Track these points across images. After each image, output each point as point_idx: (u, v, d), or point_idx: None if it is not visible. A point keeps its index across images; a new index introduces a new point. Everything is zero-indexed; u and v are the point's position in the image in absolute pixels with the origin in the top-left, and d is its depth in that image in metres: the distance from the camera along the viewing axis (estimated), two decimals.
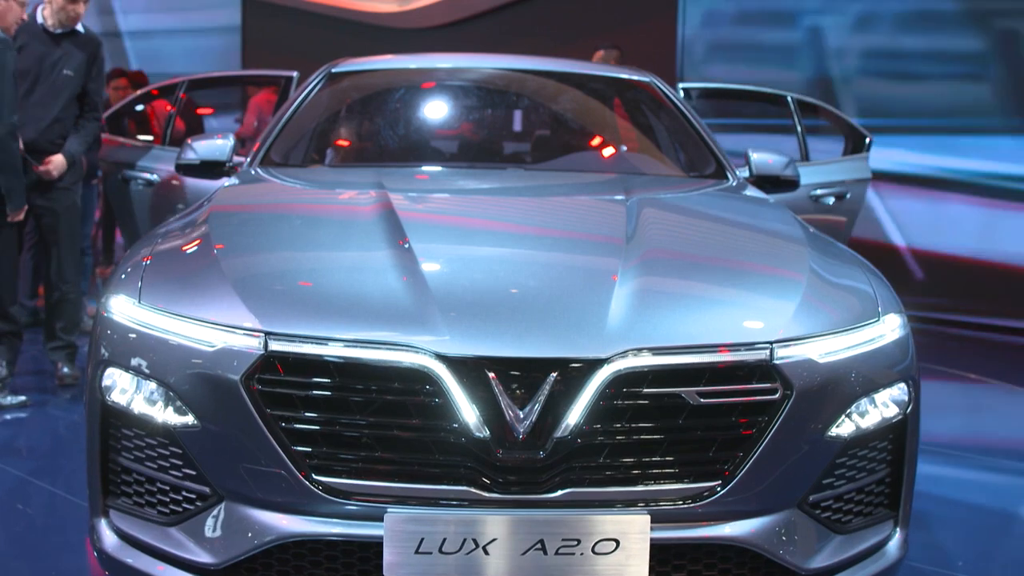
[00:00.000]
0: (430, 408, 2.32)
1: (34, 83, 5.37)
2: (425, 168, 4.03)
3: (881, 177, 8.00)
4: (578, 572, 2.31)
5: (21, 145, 5.17)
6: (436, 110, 4.59)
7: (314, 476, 2.35)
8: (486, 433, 2.29)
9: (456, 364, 2.31)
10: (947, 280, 8.58)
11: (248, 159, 3.97)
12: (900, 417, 2.64)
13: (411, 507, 2.33)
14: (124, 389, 2.54)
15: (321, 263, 2.76)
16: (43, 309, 5.95)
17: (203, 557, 2.43)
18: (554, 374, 2.31)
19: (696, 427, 2.38)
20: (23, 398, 5.29)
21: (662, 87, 4.49)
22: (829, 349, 2.50)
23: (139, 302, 2.58)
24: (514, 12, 11.65)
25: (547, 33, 11.02)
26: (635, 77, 4.60)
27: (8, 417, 5.13)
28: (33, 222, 5.68)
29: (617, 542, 2.31)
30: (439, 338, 2.33)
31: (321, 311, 2.44)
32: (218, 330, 2.42)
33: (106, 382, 2.56)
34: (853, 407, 2.53)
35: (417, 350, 2.32)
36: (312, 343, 2.35)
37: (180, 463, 2.48)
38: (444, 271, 2.64)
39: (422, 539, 2.30)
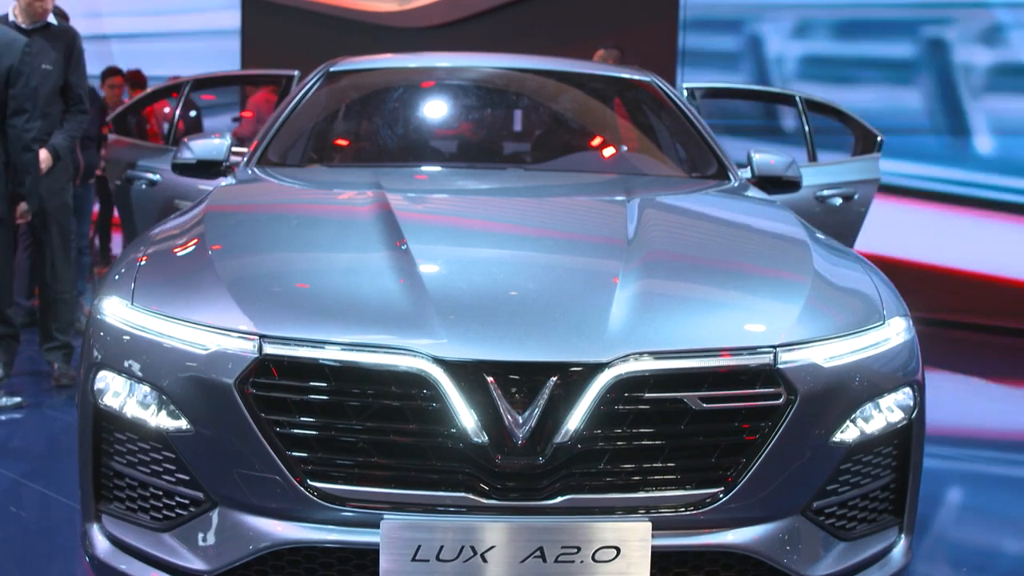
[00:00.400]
0: (427, 413, 2.28)
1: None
2: (424, 168, 3.99)
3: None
4: None
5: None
6: (435, 109, 4.55)
7: (309, 482, 2.31)
8: (484, 438, 2.25)
9: (454, 368, 2.27)
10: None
11: (245, 159, 3.93)
12: (905, 422, 2.60)
13: (408, 514, 2.29)
14: (117, 392, 2.50)
15: (317, 265, 2.72)
16: (39, 309, 5.91)
17: (196, 564, 2.39)
18: (554, 378, 2.27)
19: (698, 432, 2.34)
20: (18, 399, 5.25)
21: (663, 87, 4.45)
22: (834, 353, 2.46)
23: (132, 304, 2.54)
24: (514, 12, 11.62)
25: (547, 33, 11.00)
26: (636, 76, 4.56)
27: (3, 418, 5.09)
28: (27, 222, 5.64)
29: (618, 550, 2.27)
30: (437, 341, 2.29)
31: (316, 314, 2.40)
32: (212, 333, 2.39)
33: (98, 385, 2.52)
34: (858, 412, 2.49)
35: (414, 354, 2.28)
36: (307, 346, 2.31)
37: (173, 468, 2.44)
38: (442, 273, 2.60)
39: (419, 546, 2.26)
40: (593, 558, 2.27)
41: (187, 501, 2.44)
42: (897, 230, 8.53)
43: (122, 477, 2.53)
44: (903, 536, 2.65)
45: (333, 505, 2.30)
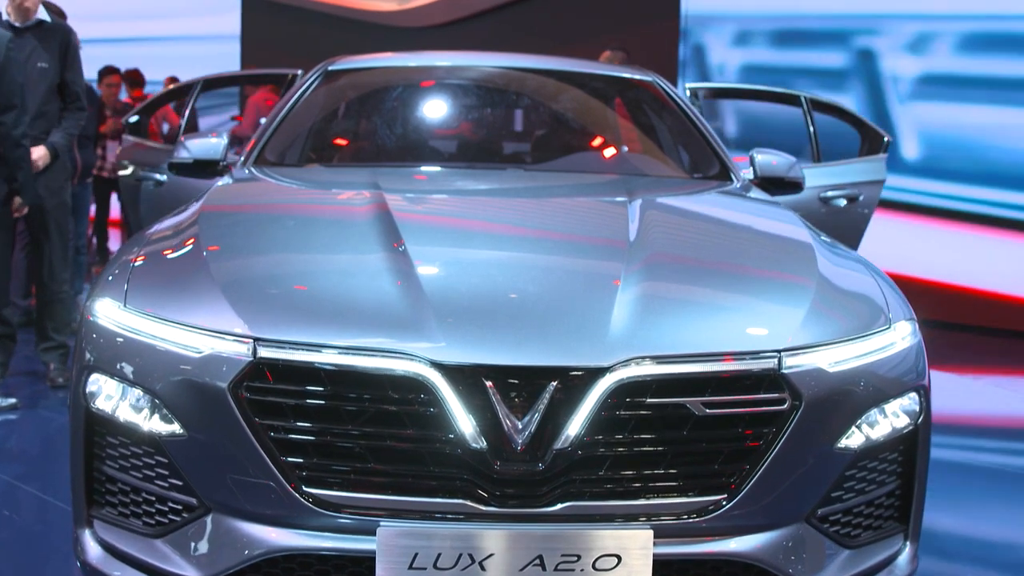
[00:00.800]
0: (425, 418, 2.23)
1: None
2: (423, 168, 3.94)
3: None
4: None
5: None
6: (434, 109, 4.51)
7: (304, 488, 2.27)
8: (483, 444, 2.21)
9: (452, 372, 2.23)
10: None
11: (241, 158, 3.89)
12: (911, 428, 2.56)
13: (405, 521, 2.24)
14: (109, 396, 2.46)
15: (313, 266, 2.68)
16: (36, 309, 5.87)
17: (189, 571, 2.35)
18: (554, 383, 2.23)
19: (701, 439, 2.30)
20: (13, 400, 5.21)
21: (664, 86, 4.41)
22: (839, 358, 2.42)
23: (124, 305, 2.49)
24: (514, 11, 11.61)
25: (547, 33, 10.97)
26: (637, 76, 4.52)
27: None
28: (24, 221, 5.60)
29: (619, 558, 2.23)
30: (434, 345, 2.25)
31: (312, 316, 2.36)
32: (205, 335, 2.34)
33: (91, 388, 2.48)
34: (863, 418, 2.45)
35: (411, 357, 2.23)
36: (302, 350, 2.27)
37: (166, 473, 2.40)
38: (440, 275, 2.56)
39: (416, 554, 2.21)
40: (593, 566, 2.23)
41: (180, 507, 2.40)
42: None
43: (114, 482, 2.48)
44: (908, 543, 2.61)
45: (328, 512, 2.26)
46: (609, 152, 4.41)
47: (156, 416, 2.38)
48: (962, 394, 6.39)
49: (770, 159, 3.94)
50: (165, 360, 2.37)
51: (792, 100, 5.63)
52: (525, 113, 4.64)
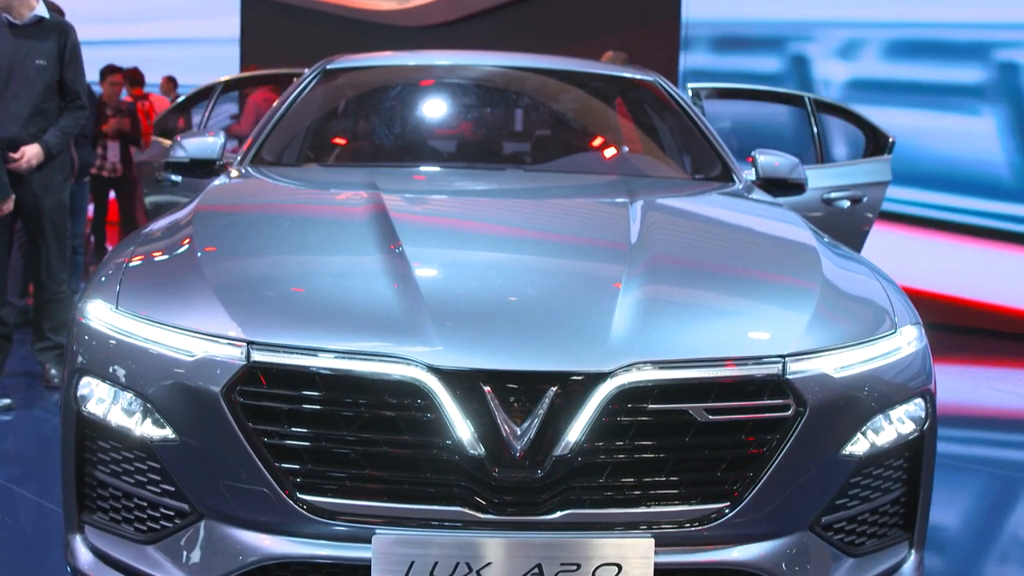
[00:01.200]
0: (422, 424, 2.19)
1: (8, 78, 5.22)
2: (421, 168, 3.90)
3: None
4: None
5: None
6: (433, 108, 4.46)
7: (298, 494, 2.22)
8: (481, 450, 2.16)
9: (450, 377, 2.18)
10: None
11: (238, 157, 3.84)
12: (917, 434, 2.51)
13: (401, 528, 2.20)
14: (101, 399, 2.41)
15: (308, 268, 2.63)
16: (33, 309, 5.83)
17: None
18: (554, 388, 2.19)
19: (703, 445, 2.25)
20: (8, 401, 5.17)
21: (666, 86, 4.37)
22: (844, 363, 2.38)
23: (116, 307, 2.45)
24: (514, 11, 11.58)
25: (547, 32, 10.94)
26: (638, 76, 4.48)
27: None
28: (22, 220, 5.55)
29: (619, 567, 2.19)
30: (432, 349, 2.21)
31: (306, 320, 2.31)
32: (198, 339, 2.30)
33: (82, 391, 2.44)
34: (868, 424, 2.41)
35: (408, 362, 2.19)
36: (296, 353, 2.23)
37: (158, 478, 2.35)
38: (438, 277, 2.52)
39: (412, 562, 2.17)
40: (593, 575, 2.18)
41: (172, 513, 2.35)
42: None
43: (106, 487, 2.44)
44: (913, 551, 2.56)
45: (323, 519, 2.22)
46: (610, 153, 4.36)
47: (148, 420, 2.33)
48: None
49: (773, 160, 3.90)
50: (157, 363, 2.32)
51: (796, 101, 5.59)
52: (525, 113, 4.59)
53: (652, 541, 2.21)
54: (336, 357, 2.22)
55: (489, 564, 2.17)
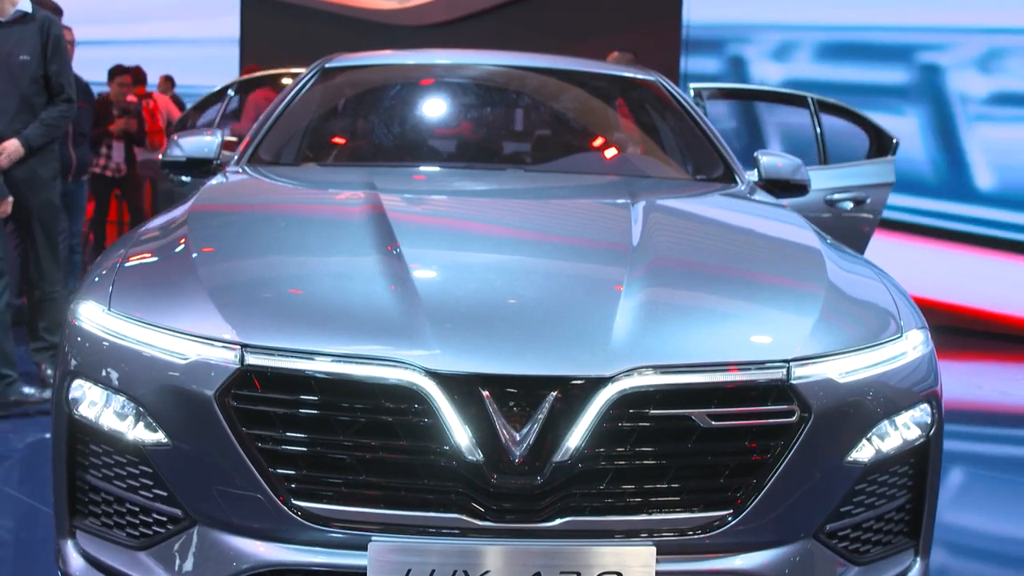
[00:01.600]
0: (419, 429, 2.15)
1: None
2: (420, 168, 3.86)
3: None
4: None
5: None
6: (433, 108, 4.42)
7: (293, 501, 2.18)
8: (479, 456, 2.12)
9: (447, 381, 2.14)
10: None
11: (235, 156, 3.80)
12: (923, 440, 2.47)
13: (398, 536, 2.16)
14: (93, 402, 2.37)
15: (304, 270, 2.59)
16: (28, 308, 5.78)
17: None
18: (553, 393, 2.14)
19: (706, 452, 2.21)
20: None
21: (668, 86, 4.32)
22: (849, 368, 2.34)
23: (109, 309, 2.41)
24: (514, 10, 11.55)
25: (547, 32, 10.90)
26: (640, 76, 4.44)
27: None
28: (12, 219, 5.49)
29: (620, 575, 2.14)
30: (429, 353, 2.16)
31: (301, 322, 2.27)
32: (191, 341, 2.26)
33: (74, 394, 2.40)
34: (874, 430, 2.37)
35: (405, 366, 2.15)
36: (291, 357, 2.18)
37: (151, 483, 2.31)
38: (436, 280, 2.48)
39: (409, 570, 2.13)
40: None
41: (165, 518, 2.31)
42: None
43: (98, 492, 2.40)
44: (919, 559, 2.52)
45: (318, 526, 2.17)
46: (611, 153, 4.32)
47: (141, 424, 2.29)
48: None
49: (775, 161, 3.86)
50: (150, 366, 2.28)
51: (799, 101, 5.55)
52: (525, 113, 4.54)
53: (653, 549, 2.17)
54: (332, 361, 2.17)
55: (487, 572, 2.13)
